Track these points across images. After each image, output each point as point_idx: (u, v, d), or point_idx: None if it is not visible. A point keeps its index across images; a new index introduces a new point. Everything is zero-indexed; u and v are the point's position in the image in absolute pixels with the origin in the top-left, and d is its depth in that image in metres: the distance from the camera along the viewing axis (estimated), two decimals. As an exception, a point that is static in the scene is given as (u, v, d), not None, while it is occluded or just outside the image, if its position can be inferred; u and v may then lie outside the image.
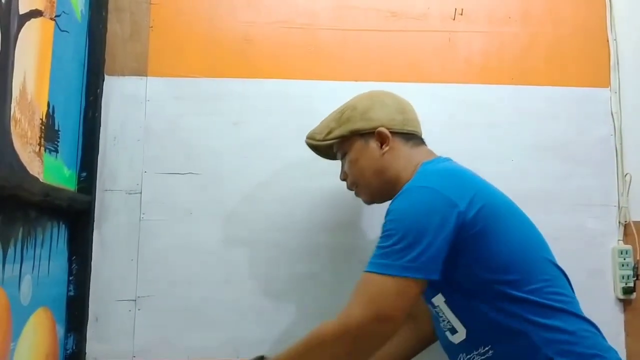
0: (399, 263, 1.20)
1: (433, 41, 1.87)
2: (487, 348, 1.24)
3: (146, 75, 1.80)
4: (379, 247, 1.26)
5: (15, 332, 1.27)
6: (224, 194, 1.76)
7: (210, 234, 1.75)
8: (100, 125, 1.75)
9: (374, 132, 1.42)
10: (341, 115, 1.47)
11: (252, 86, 1.81)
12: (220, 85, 1.81)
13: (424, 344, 1.59)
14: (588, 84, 1.88)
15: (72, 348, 1.62)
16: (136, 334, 1.70)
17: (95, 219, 1.72)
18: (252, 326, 1.72)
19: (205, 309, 1.72)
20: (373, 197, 1.49)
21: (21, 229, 1.31)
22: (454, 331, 1.29)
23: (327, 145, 1.50)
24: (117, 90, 1.79)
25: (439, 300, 1.30)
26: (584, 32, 1.91)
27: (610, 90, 1.88)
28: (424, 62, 1.86)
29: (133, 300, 1.72)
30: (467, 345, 1.27)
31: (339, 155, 1.52)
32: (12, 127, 1.23)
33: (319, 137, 1.51)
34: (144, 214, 1.75)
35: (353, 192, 1.54)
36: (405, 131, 1.44)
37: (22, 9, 1.27)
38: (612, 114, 1.86)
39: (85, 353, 1.67)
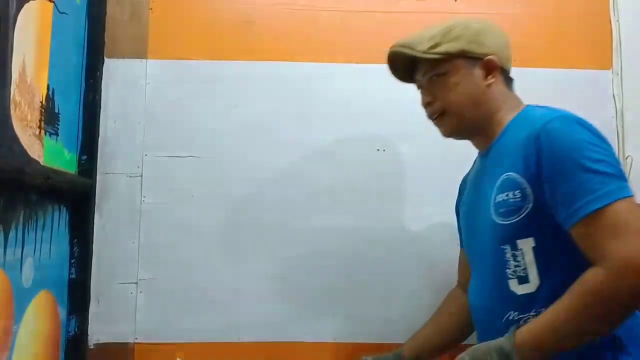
0: (626, 183, 1.09)
1: (435, 22, 1.85)
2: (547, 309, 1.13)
3: (146, 58, 1.79)
4: (594, 174, 1.08)
5: (17, 315, 1.28)
6: (225, 177, 1.76)
7: (211, 217, 1.75)
8: (100, 108, 1.74)
9: (481, 59, 1.29)
10: (450, 31, 1.30)
11: (253, 68, 1.80)
12: (220, 67, 1.80)
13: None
14: (590, 66, 1.87)
15: (74, 330, 1.63)
16: (138, 316, 1.71)
17: (96, 202, 1.72)
18: (253, 309, 1.73)
19: (206, 291, 1.73)
20: (459, 129, 1.34)
21: (22, 212, 1.31)
22: (523, 280, 1.19)
23: (425, 59, 1.31)
24: (117, 72, 1.78)
25: (526, 243, 1.18)
26: (586, 13, 1.90)
27: (612, 72, 1.87)
28: (425, 44, 1.84)
29: (134, 282, 1.72)
30: (529, 301, 1.17)
31: (428, 74, 1.33)
32: (12, 110, 1.23)
33: (420, 47, 1.31)
34: (144, 196, 1.75)
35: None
36: (508, 69, 1.34)
37: (21, -9, 1.26)
38: (613, 97, 1.85)
39: (87, 335, 1.67)
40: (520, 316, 1.18)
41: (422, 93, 1.38)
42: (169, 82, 1.79)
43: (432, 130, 1.69)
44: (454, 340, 1.54)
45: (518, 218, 1.17)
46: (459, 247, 1.58)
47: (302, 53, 1.82)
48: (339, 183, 1.77)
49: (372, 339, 1.72)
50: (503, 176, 1.21)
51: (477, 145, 1.39)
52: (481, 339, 1.26)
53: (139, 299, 1.72)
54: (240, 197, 1.76)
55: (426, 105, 1.36)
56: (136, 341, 1.71)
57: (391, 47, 1.37)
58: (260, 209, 1.76)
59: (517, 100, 1.34)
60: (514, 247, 1.20)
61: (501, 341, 1.10)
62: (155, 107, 1.78)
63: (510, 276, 1.20)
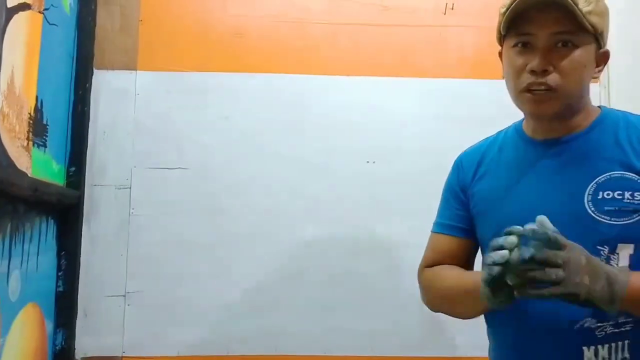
0: None
1: (425, 35, 1.86)
2: (629, 320, 1.06)
3: (136, 69, 1.79)
4: None
5: (4, 328, 1.27)
6: (214, 189, 1.76)
7: (200, 229, 1.74)
8: (89, 120, 1.73)
9: (600, 47, 1.15)
10: (598, 2, 1.12)
11: (243, 80, 1.80)
12: (210, 79, 1.80)
13: None
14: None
15: (61, 343, 1.61)
16: (126, 330, 1.70)
17: (84, 214, 1.71)
18: (243, 322, 1.72)
19: (195, 304, 1.72)
20: (561, 112, 1.13)
21: (9, 224, 1.30)
22: None
23: (571, 20, 1.09)
24: (106, 84, 1.77)
25: (625, 249, 1.09)
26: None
27: (600, 85, 1.88)
28: (415, 56, 1.85)
29: (122, 295, 1.71)
30: None
31: (556, 38, 1.10)
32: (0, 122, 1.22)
33: (581, 5, 1.08)
34: (133, 209, 1.74)
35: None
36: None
37: (10, 2, 1.26)
38: (602, 110, 1.86)
39: (75, 348, 1.66)
40: (598, 325, 1.07)
41: (535, 54, 1.11)
42: (159, 93, 1.78)
43: (421, 142, 1.70)
44: None
45: (629, 221, 1.08)
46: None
47: (292, 65, 1.82)
48: (329, 195, 1.77)
49: (362, 352, 1.71)
50: (614, 174, 1.10)
51: (542, 132, 1.20)
52: (537, 348, 1.14)
53: (126, 312, 1.70)
54: (230, 209, 1.75)
55: (540, 71, 1.10)
56: (124, 355, 1.69)
57: None
58: (249, 221, 1.75)
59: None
60: (612, 250, 1.09)
61: (616, 272, 0.98)
62: (145, 119, 1.77)
63: None
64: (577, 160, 1.15)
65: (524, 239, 0.94)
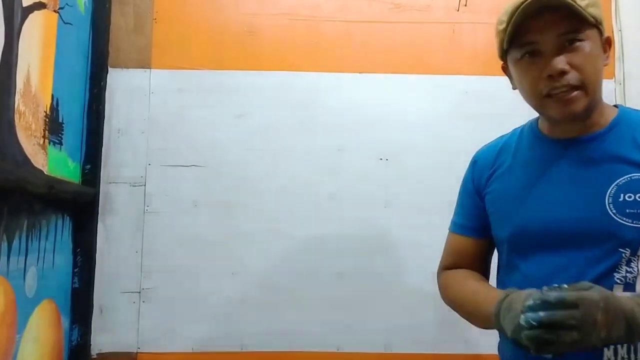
0: None
1: (437, 33, 1.86)
2: None
3: (150, 68, 1.80)
4: None
5: (20, 324, 1.28)
6: (228, 186, 1.77)
7: (214, 226, 1.75)
8: (104, 118, 1.75)
9: (602, 34, 1.10)
10: None
11: (256, 78, 1.81)
12: (223, 77, 1.81)
13: None
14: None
15: (77, 339, 1.63)
16: (141, 326, 1.71)
17: (99, 211, 1.72)
18: (256, 318, 1.72)
19: (209, 300, 1.73)
20: (588, 110, 1.10)
21: (26, 222, 1.31)
22: (630, 288, 1.07)
23: (574, 16, 1.06)
24: (121, 82, 1.79)
25: None
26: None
27: (615, 81, 1.87)
28: (428, 53, 1.85)
29: (137, 292, 1.72)
30: None
31: (564, 37, 1.08)
32: (16, 120, 1.23)
33: (580, 1, 1.06)
34: (148, 206, 1.75)
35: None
36: None
37: (26, 2, 1.27)
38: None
39: (90, 344, 1.67)
40: None
41: (547, 60, 1.09)
42: (173, 91, 1.80)
43: (433, 139, 1.70)
44: None
45: None
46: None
47: (305, 63, 1.82)
48: (342, 192, 1.77)
49: (374, 348, 1.72)
50: (635, 176, 1.08)
51: (560, 131, 1.17)
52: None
53: (141, 308, 1.72)
54: (243, 206, 1.76)
55: (559, 74, 1.07)
56: (139, 351, 1.70)
57: None
58: (263, 218, 1.76)
59: None
60: (634, 253, 1.07)
61: (635, 309, 0.94)
62: (159, 117, 1.78)
63: (618, 281, 1.07)
64: (597, 161, 1.12)
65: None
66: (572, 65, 1.07)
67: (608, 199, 1.08)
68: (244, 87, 1.81)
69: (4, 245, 1.20)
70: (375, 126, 1.79)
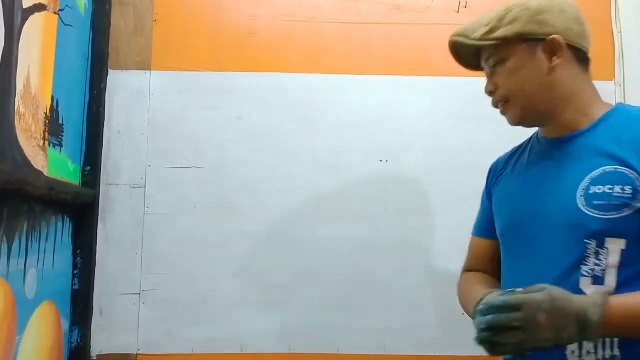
0: None
1: (437, 34, 1.86)
2: None
3: (150, 70, 1.80)
4: None
5: (20, 326, 1.28)
6: (228, 188, 1.77)
7: (214, 228, 1.75)
8: (104, 120, 1.75)
9: (544, 40, 1.18)
10: (507, 14, 1.20)
11: (256, 80, 1.81)
12: (223, 79, 1.81)
13: None
14: (592, 76, 1.86)
15: (77, 341, 1.63)
16: (140, 328, 1.71)
17: (99, 213, 1.72)
18: (255, 319, 1.72)
19: (209, 302, 1.73)
20: (525, 117, 1.23)
21: (26, 223, 1.31)
22: (598, 281, 1.08)
23: (482, 47, 1.24)
24: (121, 84, 1.79)
25: (616, 244, 1.09)
26: (588, 24, 1.89)
27: (615, 83, 1.87)
28: (428, 55, 1.85)
29: (137, 293, 1.72)
30: None
31: (490, 62, 1.24)
32: (16, 122, 1.23)
33: (474, 35, 1.23)
34: (148, 207, 1.75)
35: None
36: (580, 47, 1.23)
37: (26, 3, 1.27)
38: (616, 107, 1.85)
39: (90, 346, 1.67)
40: None
41: (487, 81, 1.27)
42: (173, 93, 1.80)
43: (434, 141, 1.70)
44: None
45: (618, 215, 1.08)
46: (460, 257, 1.57)
47: (305, 65, 1.82)
48: (342, 194, 1.77)
49: (375, 350, 1.72)
50: (607, 168, 1.11)
51: (547, 132, 1.26)
52: None
53: (141, 310, 1.72)
54: (244, 208, 1.76)
55: (489, 93, 1.26)
56: (139, 352, 1.70)
57: (450, 37, 1.29)
58: (263, 220, 1.76)
59: (594, 86, 1.26)
60: (601, 245, 1.09)
61: (588, 308, 0.97)
62: (159, 119, 1.78)
63: (585, 274, 1.09)
64: (576, 157, 1.17)
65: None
66: (497, 85, 1.23)
67: (580, 191, 1.12)
68: (243, 89, 1.81)
69: (4, 246, 1.20)
70: (376, 128, 1.80)
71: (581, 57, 1.24)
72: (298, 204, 1.77)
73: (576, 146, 1.19)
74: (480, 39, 1.22)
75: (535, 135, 1.31)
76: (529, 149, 1.31)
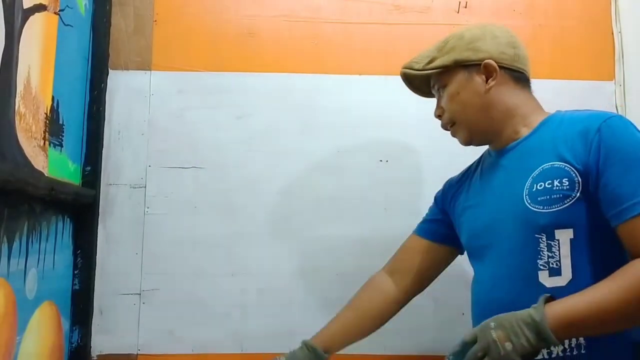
0: None
1: (437, 34, 1.83)
2: None
3: (150, 69, 1.80)
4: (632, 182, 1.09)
5: (20, 326, 1.28)
6: (228, 188, 1.77)
7: (215, 228, 1.75)
8: (104, 120, 1.75)
9: (479, 65, 1.30)
10: (445, 44, 1.34)
11: (256, 80, 1.81)
12: (223, 79, 1.81)
13: (402, 303, 1.51)
14: (592, 77, 1.87)
15: (77, 341, 1.63)
16: (141, 328, 1.71)
17: (99, 213, 1.72)
18: (255, 320, 1.73)
19: (209, 302, 1.73)
20: (472, 136, 1.35)
21: (26, 223, 1.31)
22: (555, 272, 1.15)
23: (424, 76, 1.37)
24: (121, 84, 1.79)
25: (564, 234, 1.16)
26: (588, 24, 1.90)
27: (615, 83, 1.87)
28: (428, 55, 1.85)
29: (137, 293, 1.72)
30: (558, 295, 1.10)
31: (435, 88, 1.38)
32: (16, 122, 1.23)
33: (417, 66, 1.37)
34: (148, 207, 1.75)
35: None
36: (515, 68, 1.32)
37: (26, 3, 1.27)
38: (616, 107, 1.85)
39: (91, 346, 1.67)
40: None
41: (436, 106, 1.41)
42: (173, 93, 1.80)
43: (434, 142, 1.70)
44: (370, 329, 1.49)
45: (561, 207, 1.15)
46: (462, 257, 1.57)
47: (304, 64, 1.83)
48: (342, 194, 1.77)
49: (374, 350, 1.71)
50: (545, 166, 1.19)
51: (495, 146, 1.36)
52: None
53: (142, 310, 1.72)
54: (243, 208, 1.76)
55: (437, 117, 1.39)
56: (139, 353, 1.70)
57: (400, 69, 1.42)
58: (263, 220, 1.76)
59: (535, 100, 1.35)
60: (551, 237, 1.17)
61: (529, 311, 1.04)
62: (159, 119, 1.79)
63: (542, 267, 1.17)
64: (519, 160, 1.27)
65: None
66: (443, 109, 1.36)
67: (525, 191, 1.20)
68: (244, 89, 1.81)
69: (4, 247, 1.20)
70: (375, 128, 1.80)
71: (517, 76, 1.33)
72: (298, 204, 1.77)
73: (518, 152, 1.28)
74: (422, 69, 1.36)
75: (487, 150, 1.41)
76: (480, 164, 1.43)
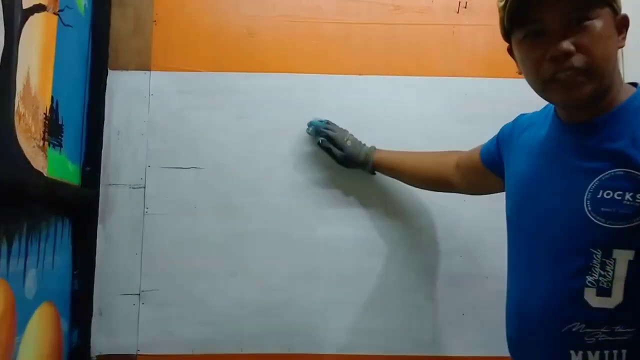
0: None
1: (437, 34, 1.86)
2: (628, 330, 1.00)
3: (149, 70, 1.80)
4: None
5: (20, 326, 1.28)
6: (228, 188, 1.76)
7: (214, 228, 1.75)
8: (104, 120, 1.75)
9: (616, 14, 1.04)
10: None
11: (256, 80, 1.81)
12: (223, 79, 1.81)
13: (452, 190, 1.58)
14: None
15: (77, 342, 1.63)
16: (140, 328, 1.71)
17: (99, 214, 1.72)
18: (255, 320, 1.72)
19: (209, 302, 1.73)
20: (597, 94, 1.03)
21: (25, 224, 1.31)
22: (604, 293, 1.01)
23: None
24: (120, 84, 1.79)
25: (623, 255, 1.00)
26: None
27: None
28: (428, 55, 1.85)
29: (137, 294, 1.72)
30: (603, 317, 1.01)
31: (570, 16, 1.00)
32: (16, 122, 1.23)
33: None
34: (147, 208, 1.75)
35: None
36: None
37: (26, 4, 1.27)
38: (616, 107, 1.85)
39: (90, 347, 1.67)
40: (587, 330, 1.02)
41: (551, 40, 1.02)
42: (173, 93, 1.79)
43: (434, 142, 1.70)
44: (417, 180, 1.66)
45: (627, 225, 0.99)
46: (460, 257, 1.58)
47: (305, 65, 1.82)
48: (341, 195, 1.77)
49: (375, 350, 1.71)
50: (618, 171, 1.01)
51: (571, 116, 1.12)
52: (528, 345, 1.12)
53: (141, 310, 1.71)
54: (243, 208, 1.76)
55: (564, 56, 1.00)
56: (138, 353, 1.70)
57: None
58: (263, 220, 1.76)
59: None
60: (607, 255, 1.01)
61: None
62: (159, 119, 1.78)
63: (590, 285, 1.02)
64: (587, 152, 1.07)
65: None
66: (578, 47, 1.00)
67: (587, 194, 1.03)
68: (243, 89, 1.80)
69: (4, 247, 1.20)
70: (375, 128, 1.79)
71: None
72: (298, 204, 1.77)
73: (592, 137, 1.07)
74: None
75: (554, 112, 1.17)
76: (547, 127, 1.19)
